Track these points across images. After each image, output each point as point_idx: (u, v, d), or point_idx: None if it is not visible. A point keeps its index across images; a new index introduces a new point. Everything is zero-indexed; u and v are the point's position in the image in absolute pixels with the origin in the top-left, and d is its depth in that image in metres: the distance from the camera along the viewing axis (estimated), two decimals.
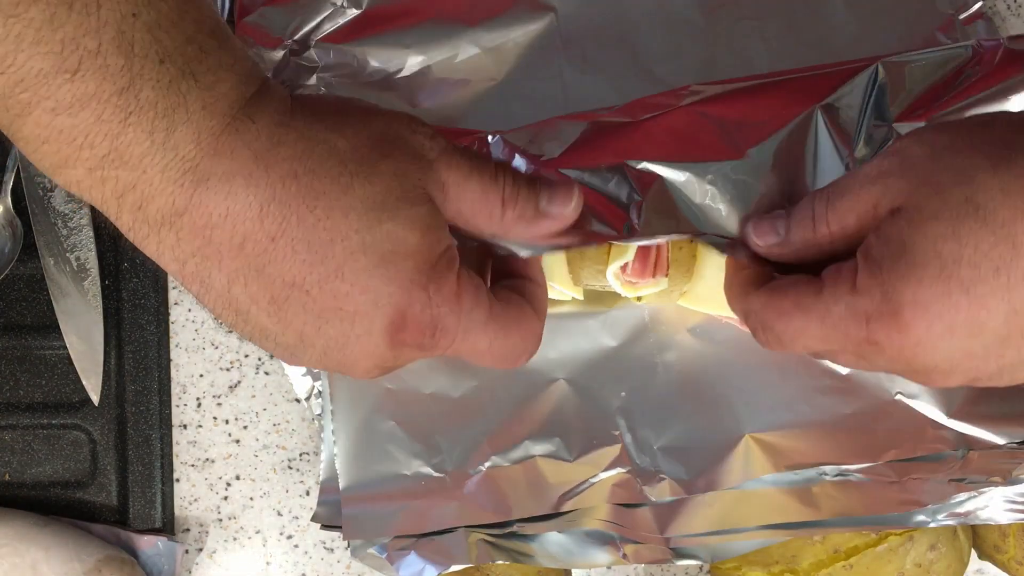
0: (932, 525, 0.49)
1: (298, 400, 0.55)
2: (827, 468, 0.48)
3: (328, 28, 0.50)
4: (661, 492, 0.48)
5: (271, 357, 0.55)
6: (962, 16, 0.54)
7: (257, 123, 0.34)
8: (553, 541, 0.50)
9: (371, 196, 0.35)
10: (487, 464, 0.49)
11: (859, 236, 0.39)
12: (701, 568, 0.56)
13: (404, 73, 0.50)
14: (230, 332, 0.55)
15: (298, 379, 0.53)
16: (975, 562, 0.55)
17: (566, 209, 0.39)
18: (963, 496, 0.49)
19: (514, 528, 0.49)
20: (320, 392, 0.50)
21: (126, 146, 0.32)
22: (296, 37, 0.49)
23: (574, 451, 0.49)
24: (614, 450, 0.49)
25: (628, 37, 0.51)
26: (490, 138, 0.46)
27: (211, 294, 0.35)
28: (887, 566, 0.50)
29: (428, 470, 0.49)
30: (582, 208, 0.39)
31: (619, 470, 0.49)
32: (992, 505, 0.49)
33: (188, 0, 0.33)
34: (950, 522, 0.49)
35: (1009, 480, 0.48)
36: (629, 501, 0.49)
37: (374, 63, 0.50)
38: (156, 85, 0.31)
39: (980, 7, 0.55)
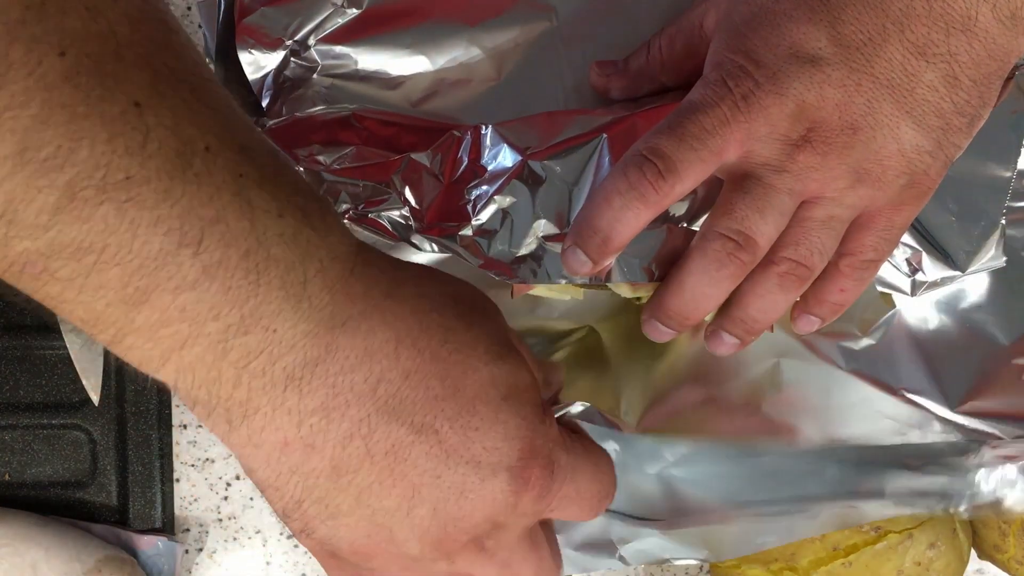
0: (957, 513, 0.50)
1: None
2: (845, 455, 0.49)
3: (328, 28, 0.50)
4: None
5: None
6: None
7: (377, 265, 0.33)
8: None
9: (491, 333, 0.35)
10: None
11: (688, 63, 0.43)
12: (701, 568, 0.56)
13: (404, 73, 0.50)
14: None
15: None
16: (975, 562, 0.55)
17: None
18: (980, 477, 0.50)
19: None
20: None
21: (257, 307, 0.30)
22: (296, 37, 0.49)
23: None
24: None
25: (629, 39, 0.51)
26: (483, 129, 0.46)
27: (314, 459, 0.32)
28: (886, 564, 0.50)
29: None
30: None
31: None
32: (1012, 494, 0.50)
33: (277, 152, 0.32)
34: (969, 515, 0.50)
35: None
36: None
37: (374, 63, 0.50)
38: (281, 240, 0.30)
39: None
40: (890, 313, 0.50)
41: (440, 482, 0.33)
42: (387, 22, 0.50)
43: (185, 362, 0.30)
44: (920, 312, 0.50)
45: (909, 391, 0.49)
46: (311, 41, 0.50)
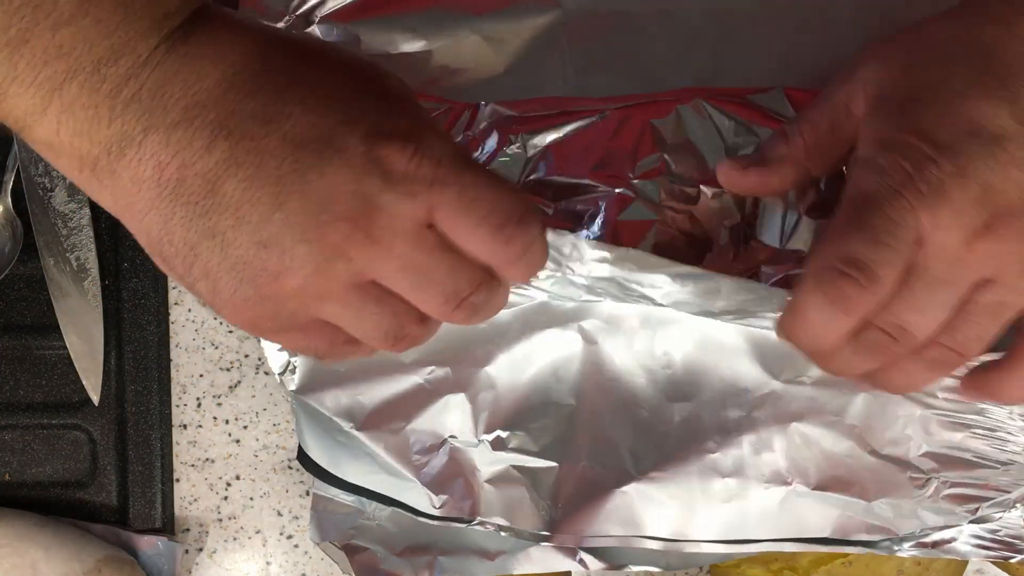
0: (898, 553, 0.48)
1: None
2: (797, 485, 0.48)
3: (332, 5, 0.50)
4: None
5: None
6: None
7: None
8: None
9: (357, 61, 0.36)
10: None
11: (836, 149, 0.40)
12: (701, 568, 0.56)
13: (405, 57, 0.49)
14: (231, 332, 0.55)
15: (273, 353, 0.51)
16: (975, 562, 0.55)
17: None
18: (930, 526, 0.48)
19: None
20: (295, 368, 0.50)
21: (126, 33, 0.32)
22: (299, 12, 0.49)
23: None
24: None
25: (633, 39, 0.51)
26: (481, 104, 0.47)
27: (189, 176, 0.33)
28: (886, 563, 0.50)
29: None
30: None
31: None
32: (960, 539, 0.48)
33: None
34: (916, 552, 0.48)
35: (976, 517, 0.48)
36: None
37: (376, 44, 0.50)
38: None
39: None
40: None
41: (298, 164, 0.33)
42: (391, 4, 0.50)
43: (65, 102, 0.32)
44: None
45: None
46: (314, 17, 0.50)
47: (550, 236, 0.41)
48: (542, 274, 0.44)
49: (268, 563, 0.55)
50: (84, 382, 0.54)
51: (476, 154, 0.48)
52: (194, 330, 0.55)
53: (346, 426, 0.48)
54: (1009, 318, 0.38)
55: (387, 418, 0.48)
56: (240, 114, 0.33)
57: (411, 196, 0.33)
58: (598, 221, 0.46)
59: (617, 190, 0.46)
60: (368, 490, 0.49)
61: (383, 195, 0.33)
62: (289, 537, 0.55)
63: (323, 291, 0.34)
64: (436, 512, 0.48)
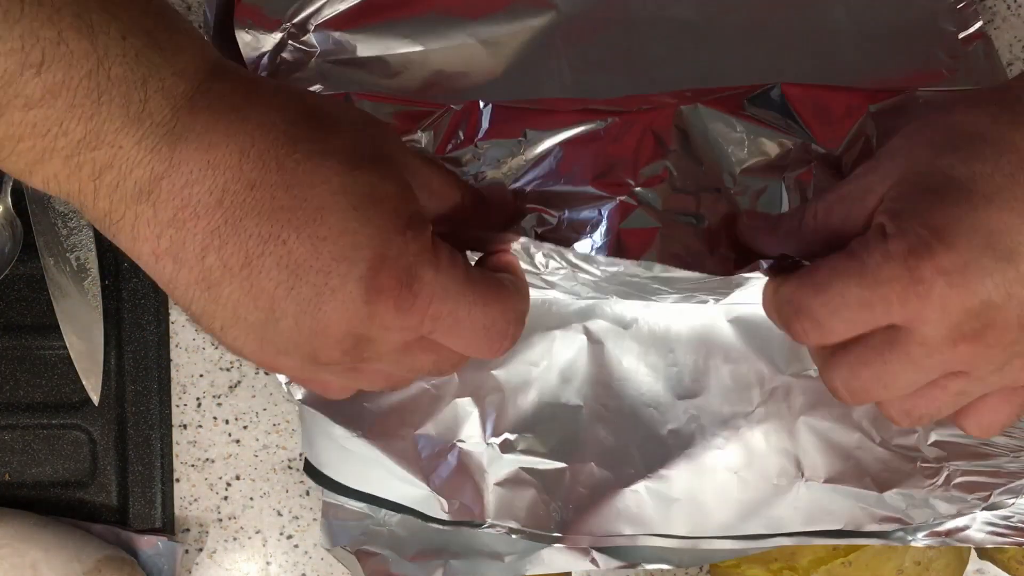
0: (912, 543, 0.48)
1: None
2: (808, 479, 0.48)
3: (328, 14, 0.50)
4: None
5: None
6: (962, 35, 0.54)
7: (230, 81, 0.34)
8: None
9: (349, 146, 0.35)
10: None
11: (842, 233, 0.39)
12: (701, 568, 0.56)
13: (402, 62, 0.50)
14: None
15: None
16: (975, 562, 0.55)
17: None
18: (943, 514, 0.48)
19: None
20: None
21: (101, 125, 0.31)
22: (295, 21, 0.50)
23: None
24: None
25: (629, 40, 0.51)
26: (481, 104, 0.47)
27: (183, 271, 0.33)
28: (886, 563, 0.50)
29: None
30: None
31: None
32: (973, 527, 0.49)
33: None
34: (930, 541, 0.49)
35: (988, 504, 0.48)
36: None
37: (372, 51, 0.50)
38: (123, 60, 0.31)
39: (980, 27, 0.54)
40: None
41: (295, 293, 0.33)
42: (387, 11, 0.50)
43: (48, 174, 0.32)
44: None
45: None
46: (310, 25, 0.50)
47: (556, 247, 0.43)
48: (552, 266, 0.44)
49: (268, 563, 0.55)
50: (84, 382, 0.54)
51: (476, 164, 0.47)
52: (194, 330, 0.55)
53: (353, 434, 0.48)
54: (967, 402, 0.38)
55: (394, 425, 0.48)
56: (233, 228, 0.33)
57: (401, 333, 0.35)
58: (601, 229, 0.46)
59: (620, 198, 0.46)
60: (378, 497, 0.49)
61: (374, 335, 0.35)
62: (289, 537, 0.55)
63: (315, 377, 0.38)
64: (446, 516, 0.48)
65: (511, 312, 0.38)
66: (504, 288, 0.38)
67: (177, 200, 0.32)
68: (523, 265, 0.43)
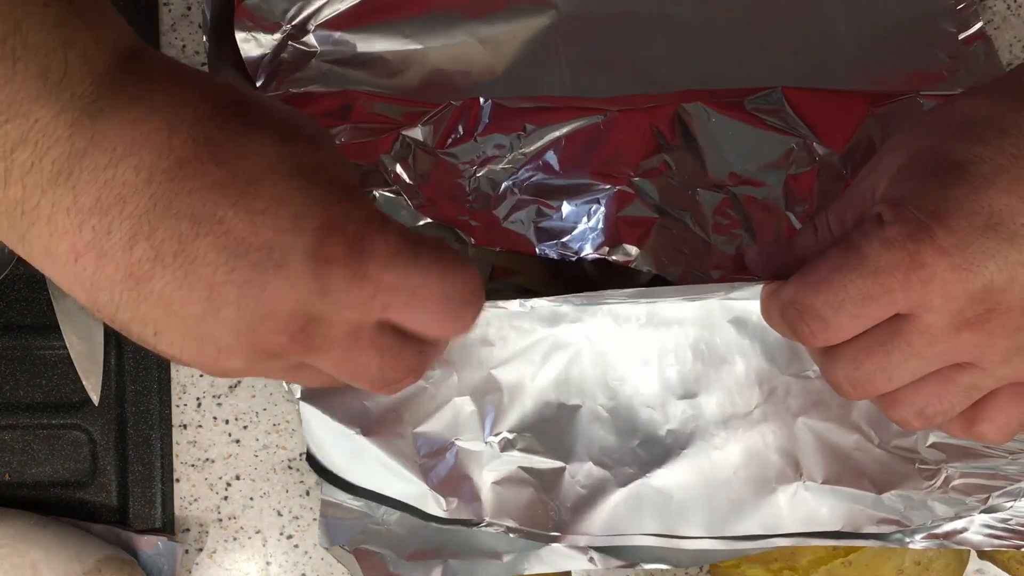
0: (910, 545, 0.49)
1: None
2: (806, 480, 0.48)
3: (328, 14, 0.50)
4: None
5: None
6: (962, 36, 0.54)
7: (153, 61, 0.32)
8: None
9: (279, 121, 0.33)
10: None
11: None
12: (701, 568, 0.56)
13: (402, 62, 0.50)
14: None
15: None
16: (975, 562, 0.55)
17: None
18: (941, 516, 0.48)
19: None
20: None
21: (15, 94, 0.29)
22: (295, 22, 0.50)
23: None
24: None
25: (628, 40, 0.51)
26: (481, 100, 0.47)
27: (108, 268, 0.30)
28: (886, 563, 0.50)
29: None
30: None
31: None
32: (971, 530, 0.49)
33: None
34: (928, 543, 0.49)
35: (986, 506, 0.48)
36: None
37: (372, 51, 0.50)
38: (42, 27, 0.29)
39: (980, 27, 0.54)
40: None
41: (235, 276, 0.30)
42: (387, 10, 0.50)
43: None
44: None
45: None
46: (310, 26, 0.50)
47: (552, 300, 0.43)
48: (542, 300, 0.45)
49: (268, 563, 0.55)
50: (84, 382, 0.54)
51: (477, 156, 0.48)
52: None
53: (352, 432, 0.48)
54: (978, 397, 0.38)
55: (393, 423, 0.48)
56: (164, 210, 0.30)
57: (355, 310, 0.33)
58: (598, 217, 0.46)
59: (618, 187, 0.47)
60: (377, 494, 0.49)
61: (326, 314, 0.32)
62: (289, 537, 0.55)
63: (262, 373, 0.34)
64: (445, 515, 0.48)
65: (470, 280, 0.35)
66: (457, 255, 0.35)
67: (100, 182, 0.30)
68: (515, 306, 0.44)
